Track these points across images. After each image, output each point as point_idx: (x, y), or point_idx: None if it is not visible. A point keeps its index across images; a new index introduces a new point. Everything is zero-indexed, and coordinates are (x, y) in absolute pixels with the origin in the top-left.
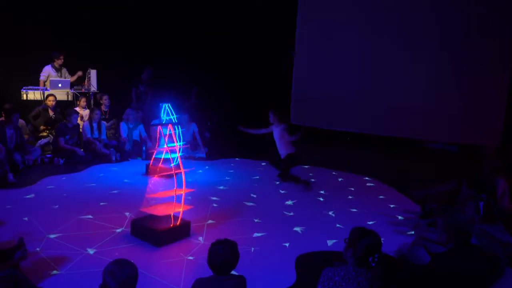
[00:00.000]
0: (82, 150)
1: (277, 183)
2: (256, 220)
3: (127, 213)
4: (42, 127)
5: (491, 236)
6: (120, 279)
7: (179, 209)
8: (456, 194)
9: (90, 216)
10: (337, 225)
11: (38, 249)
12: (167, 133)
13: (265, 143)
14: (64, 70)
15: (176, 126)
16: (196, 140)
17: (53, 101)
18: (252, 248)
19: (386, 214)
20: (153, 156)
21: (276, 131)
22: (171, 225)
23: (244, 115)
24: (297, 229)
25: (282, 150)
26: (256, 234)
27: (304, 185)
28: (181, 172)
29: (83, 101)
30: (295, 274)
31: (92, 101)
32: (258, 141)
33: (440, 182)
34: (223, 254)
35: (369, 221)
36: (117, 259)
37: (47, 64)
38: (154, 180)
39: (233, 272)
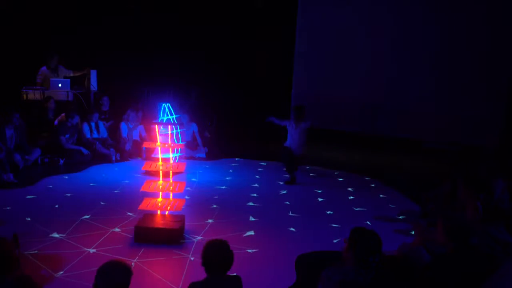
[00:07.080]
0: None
1: (281, 183)
2: (256, 220)
3: (127, 213)
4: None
5: (493, 237)
6: (111, 280)
7: (174, 206)
8: (452, 194)
9: (91, 216)
10: (337, 225)
11: (36, 251)
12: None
13: (265, 143)
14: (60, 68)
15: (175, 126)
16: (196, 140)
17: (51, 102)
18: (251, 250)
19: (386, 214)
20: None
21: (299, 127)
22: (170, 223)
23: (244, 116)
24: (297, 229)
25: (301, 147)
26: (256, 234)
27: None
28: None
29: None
30: (295, 274)
31: (92, 101)
32: (258, 141)
33: (440, 182)
34: (217, 254)
35: (369, 221)
36: (110, 261)
37: (43, 65)
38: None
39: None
